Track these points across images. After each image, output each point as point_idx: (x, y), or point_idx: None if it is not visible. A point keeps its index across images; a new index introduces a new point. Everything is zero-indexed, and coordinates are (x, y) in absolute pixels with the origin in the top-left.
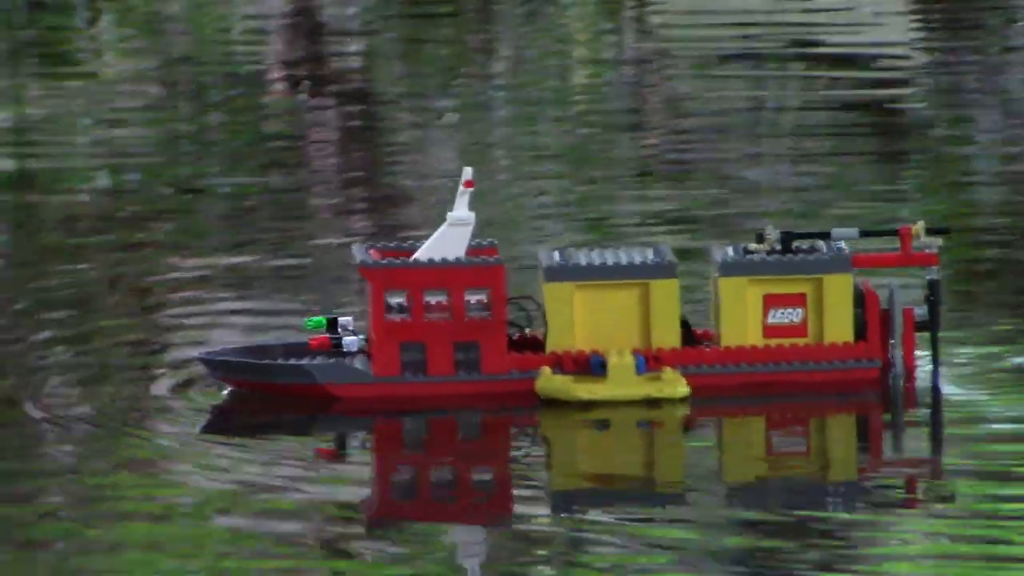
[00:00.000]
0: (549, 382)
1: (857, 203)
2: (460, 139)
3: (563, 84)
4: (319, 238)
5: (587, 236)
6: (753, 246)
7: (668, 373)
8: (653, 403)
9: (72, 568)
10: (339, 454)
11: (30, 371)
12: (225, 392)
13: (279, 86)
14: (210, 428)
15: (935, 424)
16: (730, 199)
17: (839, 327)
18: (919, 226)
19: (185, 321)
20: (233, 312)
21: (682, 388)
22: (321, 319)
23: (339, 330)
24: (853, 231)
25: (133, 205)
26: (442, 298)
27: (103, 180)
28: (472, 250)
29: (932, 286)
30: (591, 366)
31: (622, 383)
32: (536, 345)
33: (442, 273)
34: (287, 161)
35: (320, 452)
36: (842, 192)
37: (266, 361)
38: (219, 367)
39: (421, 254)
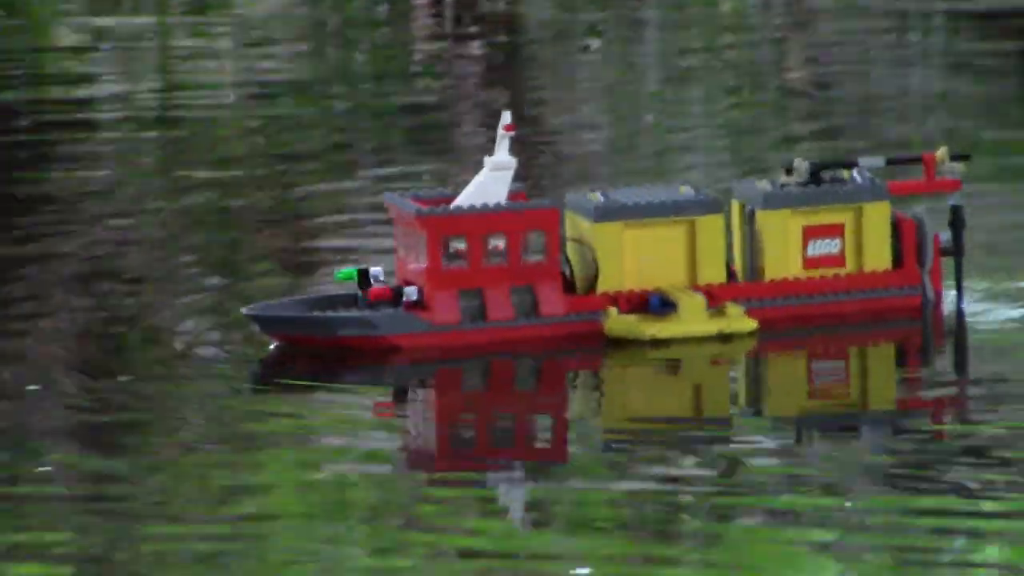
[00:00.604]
0: (618, 322)
1: (1003, 130)
2: (606, 72)
3: (709, 14)
4: (463, 173)
5: (730, 167)
6: (783, 179)
7: (731, 308)
8: (722, 339)
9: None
10: (399, 404)
11: (174, 304)
12: (271, 347)
13: (425, 18)
14: (265, 378)
15: (959, 349)
16: (872, 123)
17: (878, 255)
18: (942, 152)
19: (330, 259)
20: (381, 252)
21: (750, 322)
22: (352, 271)
23: (371, 280)
24: (879, 160)
25: (281, 138)
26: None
27: (250, 113)
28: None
29: (955, 211)
30: (650, 306)
31: (693, 320)
32: (570, 288)
33: (498, 218)
34: (433, 92)
35: (378, 405)
36: (986, 117)
37: (326, 313)
38: (270, 323)
39: (461, 201)
